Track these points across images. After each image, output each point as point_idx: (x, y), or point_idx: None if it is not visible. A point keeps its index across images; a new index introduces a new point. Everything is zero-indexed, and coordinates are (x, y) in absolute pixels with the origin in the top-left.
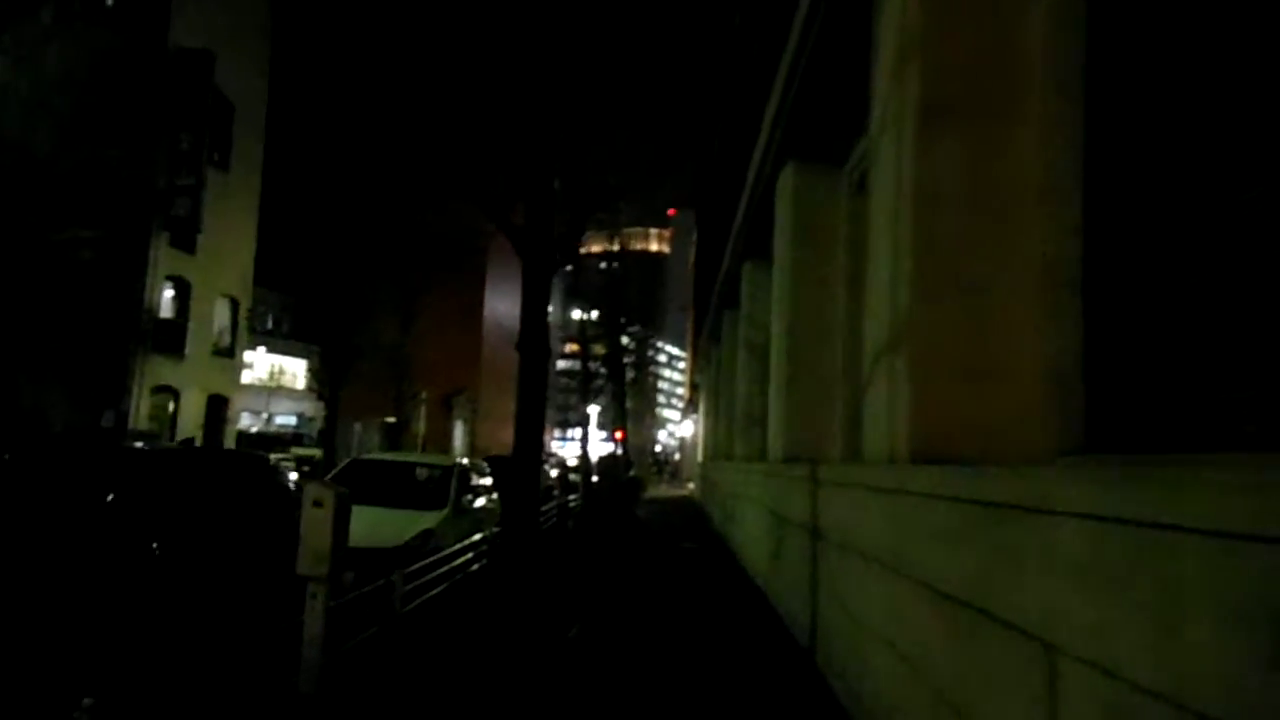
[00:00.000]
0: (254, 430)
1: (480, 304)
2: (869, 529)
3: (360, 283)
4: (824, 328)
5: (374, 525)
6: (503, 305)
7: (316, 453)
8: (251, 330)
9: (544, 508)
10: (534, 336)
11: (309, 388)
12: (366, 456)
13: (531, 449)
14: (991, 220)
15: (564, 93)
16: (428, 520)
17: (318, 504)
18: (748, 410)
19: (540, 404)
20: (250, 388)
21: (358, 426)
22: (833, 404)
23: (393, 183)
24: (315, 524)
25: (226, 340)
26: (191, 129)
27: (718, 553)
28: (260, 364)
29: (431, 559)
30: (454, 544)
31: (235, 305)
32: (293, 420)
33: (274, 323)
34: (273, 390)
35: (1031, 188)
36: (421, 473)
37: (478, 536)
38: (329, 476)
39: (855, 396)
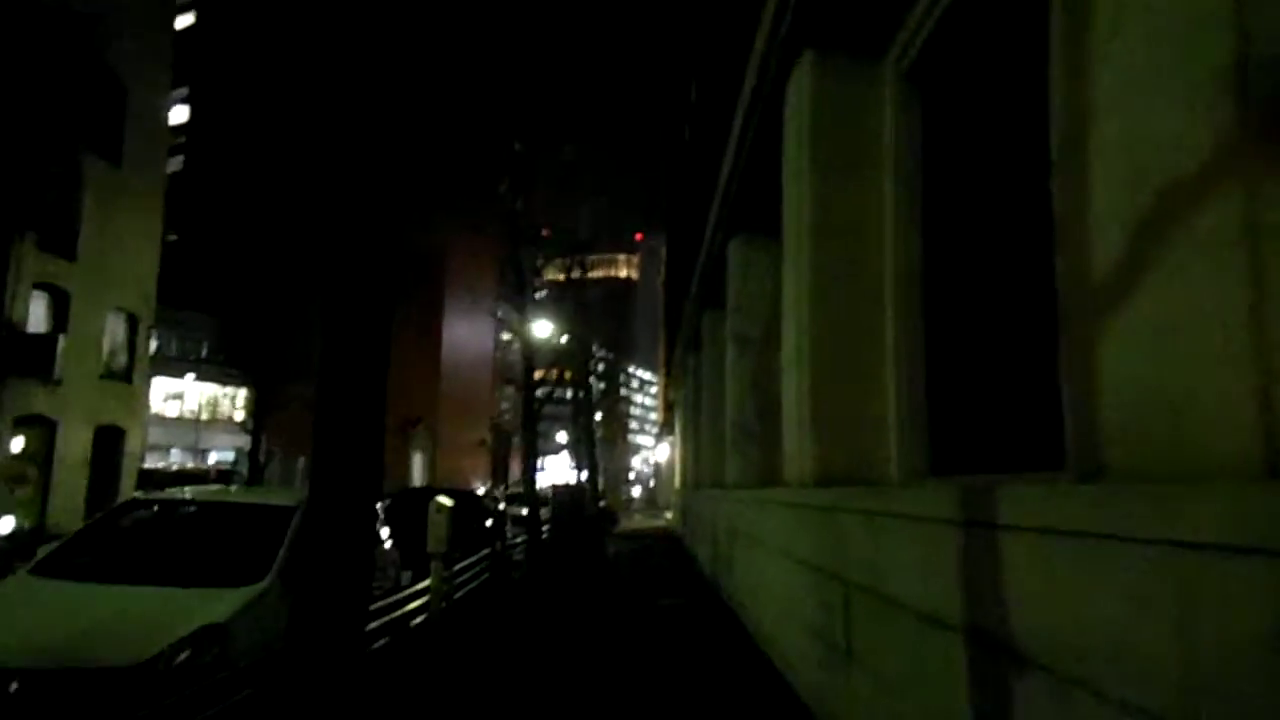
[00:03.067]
0: (174, 468)
1: (438, 329)
2: None
3: (292, 298)
4: (866, 291)
5: (106, 621)
6: (463, 329)
7: None
8: (158, 352)
9: (472, 558)
10: (355, 223)
11: (244, 423)
12: (153, 495)
13: (357, 468)
14: None
15: None
16: (217, 608)
17: None
18: (740, 420)
19: (378, 372)
20: (180, 421)
21: (301, 462)
22: (885, 399)
23: (329, 184)
24: None
25: (122, 362)
26: (62, 109)
27: (715, 613)
28: (191, 394)
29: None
30: (273, 645)
31: (134, 322)
32: (230, 455)
33: (208, 350)
34: (205, 423)
35: None
36: (238, 520)
37: None
38: (79, 530)
39: (920, 382)
